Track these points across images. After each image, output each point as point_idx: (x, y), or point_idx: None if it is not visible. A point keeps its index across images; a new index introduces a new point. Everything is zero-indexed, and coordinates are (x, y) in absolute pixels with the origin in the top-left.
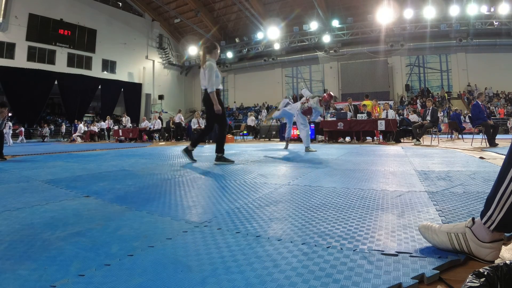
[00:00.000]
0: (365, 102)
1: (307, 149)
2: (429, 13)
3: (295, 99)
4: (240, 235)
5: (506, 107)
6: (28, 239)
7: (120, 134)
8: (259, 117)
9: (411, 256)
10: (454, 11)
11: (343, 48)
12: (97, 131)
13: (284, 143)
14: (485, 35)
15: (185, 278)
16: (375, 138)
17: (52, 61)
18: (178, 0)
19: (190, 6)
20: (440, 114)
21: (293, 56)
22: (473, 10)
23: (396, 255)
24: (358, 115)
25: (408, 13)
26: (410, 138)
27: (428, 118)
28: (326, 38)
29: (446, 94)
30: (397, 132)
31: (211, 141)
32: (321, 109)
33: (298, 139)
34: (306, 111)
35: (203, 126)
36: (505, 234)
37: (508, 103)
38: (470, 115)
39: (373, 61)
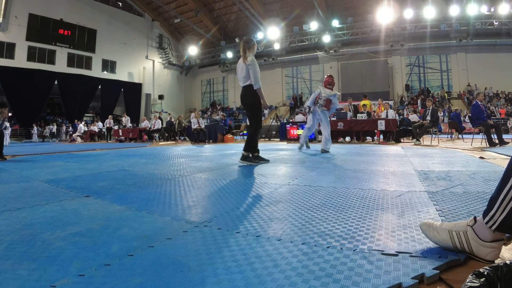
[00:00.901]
0: (363, 102)
1: (323, 150)
2: (429, 13)
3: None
4: (240, 235)
5: (506, 107)
6: (28, 239)
7: (120, 134)
8: None
9: (411, 256)
10: (454, 11)
11: (343, 48)
12: (97, 131)
13: (298, 143)
14: (485, 35)
15: (185, 278)
16: (375, 138)
17: (52, 61)
18: (178, 0)
19: (190, 6)
20: (440, 114)
21: (293, 56)
22: (473, 10)
23: (396, 255)
24: (358, 115)
25: (408, 13)
26: (410, 138)
27: (428, 118)
28: (326, 38)
29: (446, 94)
30: (397, 132)
31: (211, 141)
32: (335, 98)
33: (297, 139)
34: (327, 103)
35: (203, 126)
36: (506, 234)
37: (508, 103)
38: (470, 115)
39: (373, 61)
